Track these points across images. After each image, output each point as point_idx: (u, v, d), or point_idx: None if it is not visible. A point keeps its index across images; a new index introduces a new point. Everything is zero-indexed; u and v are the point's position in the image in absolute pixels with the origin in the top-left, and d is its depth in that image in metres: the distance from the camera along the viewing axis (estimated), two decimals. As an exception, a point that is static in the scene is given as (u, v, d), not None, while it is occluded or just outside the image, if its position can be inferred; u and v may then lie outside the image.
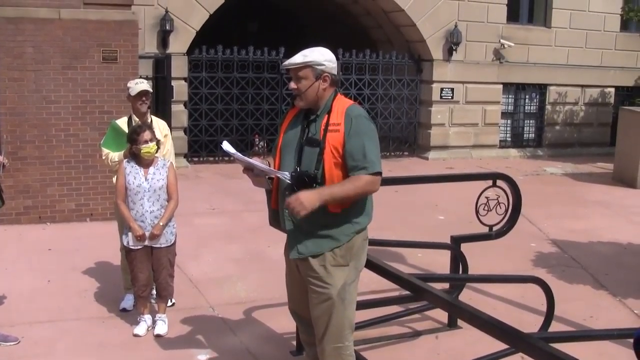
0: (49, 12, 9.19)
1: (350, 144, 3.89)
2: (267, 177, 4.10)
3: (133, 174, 5.61)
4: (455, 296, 5.93)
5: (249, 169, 4.03)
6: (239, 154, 3.97)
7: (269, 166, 4.06)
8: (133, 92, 6.13)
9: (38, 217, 9.33)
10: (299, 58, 3.96)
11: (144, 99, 6.16)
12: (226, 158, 14.77)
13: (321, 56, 3.99)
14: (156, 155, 5.72)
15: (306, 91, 3.97)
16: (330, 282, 4.01)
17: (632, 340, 1.95)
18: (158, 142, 5.71)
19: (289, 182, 3.91)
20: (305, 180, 3.88)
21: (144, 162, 5.64)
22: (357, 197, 3.94)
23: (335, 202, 3.88)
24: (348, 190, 3.87)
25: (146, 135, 5.55)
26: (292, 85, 4.01)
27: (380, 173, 3.95)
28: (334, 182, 3.91)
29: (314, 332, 4.26)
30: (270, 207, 4.30)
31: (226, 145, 4.02)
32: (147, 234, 5.59)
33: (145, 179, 5.61)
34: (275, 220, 4.27)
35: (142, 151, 5.55)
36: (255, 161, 3.99)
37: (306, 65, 3.95)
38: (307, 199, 3.78)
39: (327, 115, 3.99)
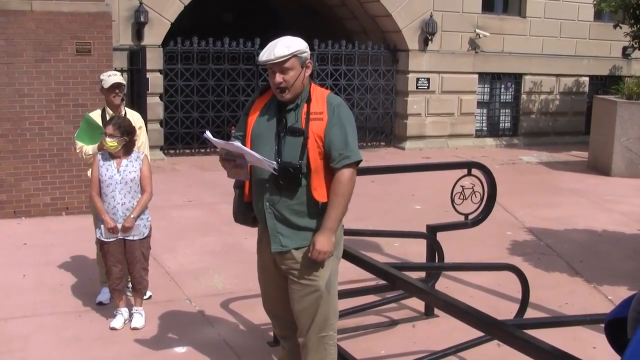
0: (21, 4, 9.09)
1: (332, 132, 3.85)
2: (247, 167, 3.95)
3: (106, 166, 5.58)
4: (432, 285, 5.95)
5: (228, 160, 3.91)
6: (236, 142, 3.86)
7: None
8: (106, 85, 6.09)
9: (13, 212, 9.24)
10: (283, 50, 3.81)
11: (117, 91, 6.11)
12: (202, 150, 14.75)
13: (301, 43, 3.92)
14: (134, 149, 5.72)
15: (294, 82, 3.86)
16: (317, 274, 3.98)
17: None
18: (127, 142, 5.59)
19: (274, 172, 3.83)
20: (290, 171, 3.83)
21: (117, 154, 5.60)
22: (351, 194, 3.94)
23: (340, 218, 3.94)
24: (340, 201, 3.89)
25: (108, 129, 5.51)
26: (279, 78, 3.83)
27: (359, 162, 3.95)
28: (319, 172, 3.88)
29: (290, 327, 4.25)
30: (240, 202, 4.20)
31: (209, 135, 3.88)
32: (118, 226, 5.56)
33: (117, 171, 5.57)
34: (243, 215, 4.21)
35: (103, 141, 5.57)
36: (247, 149, 3.86)
37: (293, 55, 3.83)
38: (324, 244, 3.87)
39: (306, 104, 3.92)
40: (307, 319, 4.05)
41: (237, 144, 3.84)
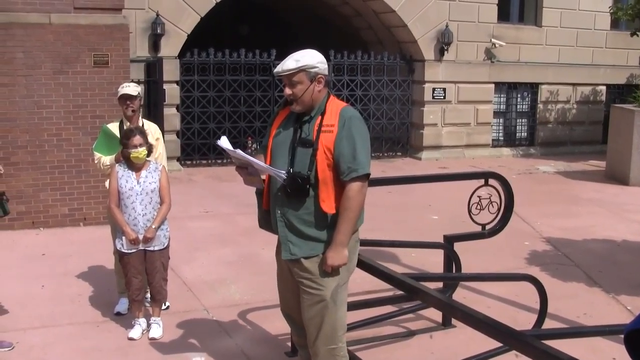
0: (40, 17, 9.18)
1: (341, 144, 3.91)
2: (260, 175, 4.09)
3: (125, 177, 5.61)
4: (449, 295, 5.94)
5: (242, 168, 4.03)
6: (238, 150, 3.94)
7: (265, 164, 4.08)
8: (118, 96, 6.14)
9: (31, 223, 9.31)
10: (291, 64, 3.94)
11: (128, 102, 6.11)
12: (219, 161, 14.79)
13: (313, 58, 4.00)
14: (148, 159, 5.71)
15: (302, 95, 3.97)
16: (323, 284, 4.04)
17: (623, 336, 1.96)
18: (150, 147, 5.69)
19: (282, 182, 3.92)
20: (299, 181, 3.90)
21: (136, 166, 5.63)
22: (360, 208, 3.99)
23: (350, 231, 3.99)
24: (349, 215, 3.94)
25: (136, 139, 5.55)
26: (287, 91, 3.99)
27: (368, 175, 3.98)
28: (327, 184, 3.94)
29: (307, 334, 4.28)
30: (260, 209, 4.32)
31: (223, 142, 3.97)
32: (140, 237, 5.58)
33: (137, 182, 5.60)
34: (266, 221, 4.29)
35: (131, 155, 5.55)
36: (253, 158, 3.97)
37: (300, 70, 3.94)
38: (336, 258, 3.96)
39: (320, 117, 4.00)
40: (314, 328, 4.11)
41: (240, 153, 3.94)
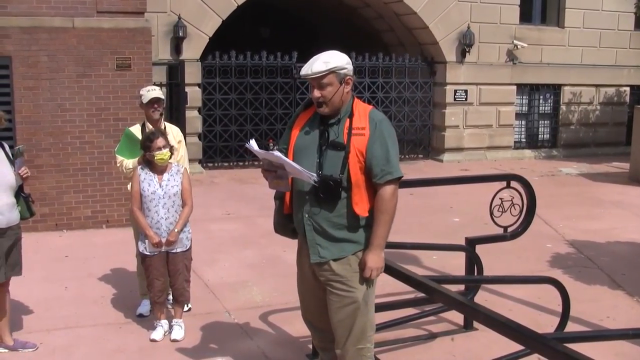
0: (63, 21, 9.26)
1: (374, 148, 3.89)
2: (288, 179, 4.01)
3: (147, 180, 5.63)
4: (471, 298, 5.92)
5: (269, 170, 3.98)
6: (276, 152, 3.91)
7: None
8: (145, 100, 6.16)
9: (54, 225, 9.39)
10: (321, 66, 3.88)
11: (155, 106, 6.17)
12: (241, 163, 14.85)
13: (341, 59, 3.95)
14: (170, 161, 5.74)
15: (332, 97, 3.92)
16: (355, 286, 4.02)
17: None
18: (172, 149, 5.72)
19: (314, 184, 3.88)
20: (330, 184, 3.87)
21: (158, 169, 5.65)
22: (395, 210, 3.99)
23: (387, 234, 3.99)
24: (385, 218, 3.94)
25: (160, 141, 5.57)
26: (317, 93, 3.91)
27: (401, 178, 3.98)
28: (360, 187, 3.92)
29: (329, 338, 4.27)
30: (279, 213, 4.28)
31: (251, 144, 3.96)
32: (163, 240, 5.61)
33: (160, 186, 5.62)
34: (282, 226, 4.28)
35: (155, 158, 5.56)
36: (288, 160, 3.92)
37: (330, 72, 3.89)
38: (375, 261, 3.97)
39: (348, 119, 3.97)
40: (345, 330, 4.08)
41: (277, 154, 3.89)
